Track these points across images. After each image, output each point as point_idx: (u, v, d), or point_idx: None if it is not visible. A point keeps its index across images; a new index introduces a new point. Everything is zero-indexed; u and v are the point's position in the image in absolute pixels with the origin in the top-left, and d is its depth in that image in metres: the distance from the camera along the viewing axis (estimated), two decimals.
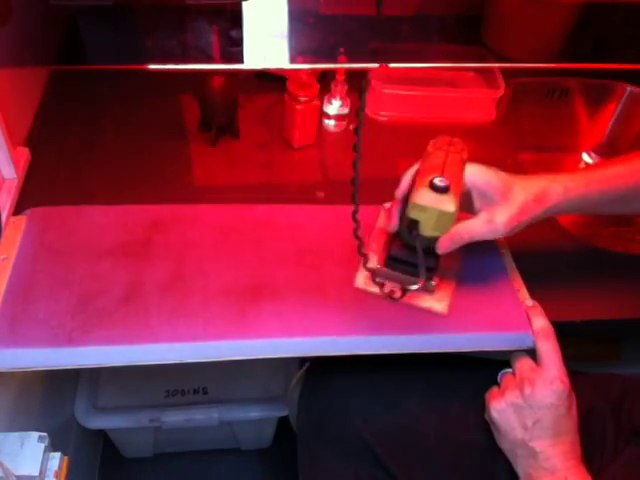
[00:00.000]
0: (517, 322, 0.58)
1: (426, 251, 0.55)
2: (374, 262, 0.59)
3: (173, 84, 0.91)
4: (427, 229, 0.49)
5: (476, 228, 0.54)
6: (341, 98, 0.84)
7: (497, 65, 0.95)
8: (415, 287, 0.53)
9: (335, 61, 0.84)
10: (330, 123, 0.86)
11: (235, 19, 0.96)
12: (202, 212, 0.65)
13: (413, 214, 0.49)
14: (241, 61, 0.96)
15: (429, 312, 0.57)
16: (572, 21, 1.00)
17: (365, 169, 0.81)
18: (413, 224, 0.50)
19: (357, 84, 0.92)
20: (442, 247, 0.54)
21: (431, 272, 0.57)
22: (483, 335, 0.57)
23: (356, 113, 0.46)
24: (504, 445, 0.59)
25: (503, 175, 0.55)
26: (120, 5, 0.91)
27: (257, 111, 0.87)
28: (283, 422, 1.01)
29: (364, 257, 0.53)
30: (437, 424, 0.66)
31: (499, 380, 0.59)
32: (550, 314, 0.58)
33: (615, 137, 1.03)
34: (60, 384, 0.95)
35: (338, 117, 0.85)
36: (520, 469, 0.58)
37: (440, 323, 0.57)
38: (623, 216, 0.85)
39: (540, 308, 0.58)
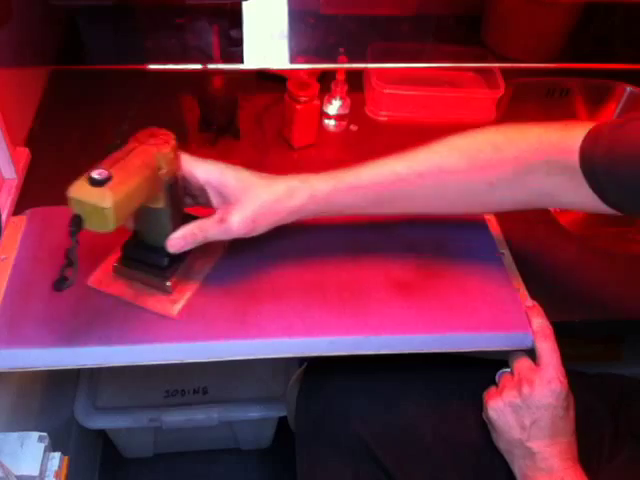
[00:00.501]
0: (516, 322, 0.58)
1: (158, 250, 0.53)
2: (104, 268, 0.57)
3: (173, 84, 0.91)
4: (91, 224, 0.45)
5: (208, 227, 0.52)
6: (341, 98, 0.84)
7: (497, 65, 0.95)
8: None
9: (335, 61, 0.84)
10: (330, 123, 0.86)
11: (235, 19, 0.96)
12: (202, 212, 0.65)
13: (73, 208, 0.45)
14: (241, 61, 0.96)
15: (159, 314, 0.54)
16: (572, 21, 1.00)
17: None
18: (76, 219, 0.45)
19: (357, 84, 0.92)
20: (173, 246, 0.52)
21: (165, 272, 0.55)
22: (483, 335, 0.57)
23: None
24: (501, 445, 0.59)
25: (244, 174, 0.53)
26: (120, 5, 0.91)
27: (257, 111, 0.87)
28: (283, 422, 1.01)
29: (63, 266, 0.49)
30: (436, 424, 0.66)
31: (497, 380, 0.59)
32: (550, 314, 0.58)
33: None
34: (60, 384, 0.95)
35: (338, 117, 0.85)
36: (517, 469, 0.58)
37: (440, 323, 0.57)
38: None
39: (539, 308, 0.58)
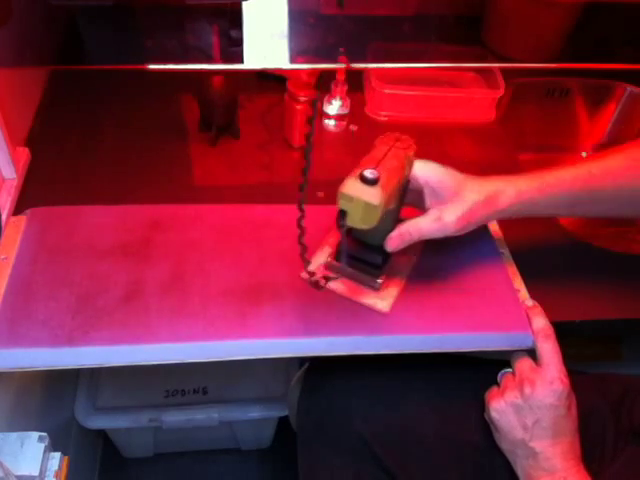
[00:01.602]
0: (517, 322, 0.58)
1: (374, 248, 0.56)
2: (316, 263, 0.60)
3: (173, 84, 0.91)
4: (354, 220, 0.48)
5: (424, 226, 0.54)
6: (341, 98, 0.84)
7: (497, 65, 0.95)
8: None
9: (335, 61, 0.84)
10: (330, 123, 0.86)
11: (235, 19, 0.96)
12: (202, 212, 0.65)
13: (341, 204, 0.48)
14: (241, 61, 0.96)
15: (371, 309, 0.57)
16: (572, 21, 1.00)
17: None
18: (342, 214, 0.49)
19: (357, 84, 0.92)
20: (391, 245, 0.54)
21: (378, 270, 0.57)
22: (483, 335, 0.57)
23: (307, 120, 0.46)
24: (504, 445, 0.59)
25: (457, 174, 0.55)
26: (120, 5, 0.91)
27: (257, 111, 0.87)
28: (283, 422, 1.01)
29: (305, 262, 0.53)
30: (437, 424, 0.66)
31: (499, 380, 0.59)
32: (550, 314, 0.58)
33: (615, 137, 1.03)
34: (60, 384, 0.95)
35: (338, 117, 0.85)
36: (520, 469, 0.58)
37: (440, 323, 0.57)
38: (614, 218, 0.85)
39: (540, 308, 0.58)
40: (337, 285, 0.58)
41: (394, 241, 0.54)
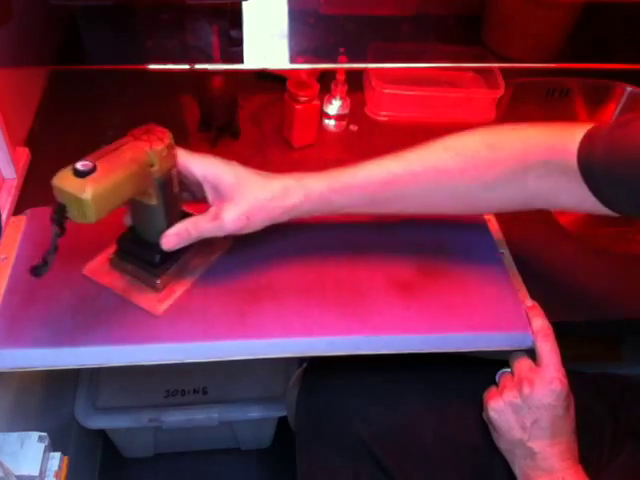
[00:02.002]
0: (517, 322, 0.58)
1: (153, 247, 0.53)
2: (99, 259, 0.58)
3: (173, 84, 0.91)
4: (73, 214, 0.45)
5: (202, 224, 0.52)
6: (341, 98, 0.84)
7: (497, 65, 0.95)
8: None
9: (335, 61, 0.84)
10: (330, 123, 0.86)
11: (235, 19, 0.96)
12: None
13: (57, 196, 0.45)
14: (241, 61, 0.96)
15: (144, 310, 0.54)
16: (572, 21, 1.00)
17: None
18: (60, 208, 0.45)
19: (357, 84, 0.92)
20: (166, 244, 0.52)
21: (156, 269, 0.55)
22: (483, 335, 0.57)
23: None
24: (502, 445, 0.59)
25: (240, 171, 0.53)
26: (120, 5, 0.91)
27: (257, 111, 0.87)
28: (283, 422, 1.01)
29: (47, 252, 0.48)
30: (435, 424, 0.66)
31: (497, 380, 0.60)
32: (550, 314, 0.58)
33: None
34: (60, 384, 0.95)
35: (338, 117, 0.85)
36: (518, 469, 0.58)
37: (440, 323, 0.57)
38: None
39: (539, 308, 0.58)
40: (116, 282, 0.56)
41: (171, 239, 0.51)
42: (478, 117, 0.91)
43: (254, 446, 1.20)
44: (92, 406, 0.97)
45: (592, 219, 0.93)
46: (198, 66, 0.92)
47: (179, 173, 0.52)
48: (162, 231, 0.52)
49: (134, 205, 0.53)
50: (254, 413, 0.99)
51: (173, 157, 0.50)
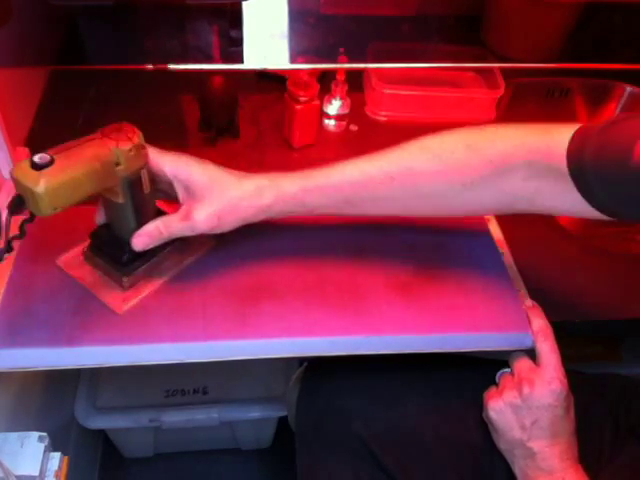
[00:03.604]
0: (516, 322, 0.58)
1: (124, 244, 0.53)
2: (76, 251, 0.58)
3: (173, 84, 0.91)
4: (30, 206, 0.45)
5: (173, 224, 0.52)
6: (341, 98, 0.84)
7: (497, 65, 0.95)
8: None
9: (335, 61, 0.84)
10: (330, 123, 0.86)
11: (235, 19, 0.96)
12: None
13: (16, 187, 0.45)
14: (241, 61, 0.96)
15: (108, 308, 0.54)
16: (572, 21, 1.00)
17: None
18: (18, 199, 0.45)
19: (357, 84, 0.92)
20: (137, 243, 0.52)
21: (125, 267, 0.54)
22: (483, 335, 0.57)
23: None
24: (502, 445, 0.59)
25: (211, 170, 0.52)
26: (120, 5, 0.91)
27: (257, 111, 0.87)
28: (283, 422, 1.01)
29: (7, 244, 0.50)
30: (436, 424, 0.66)
31: (497, 380, 0.59)
32: (550, 314, 0.58)
33: None
34: (60, 384, 0.95)
35: (338, 117, 0.85)
36: (518, 469, 0.58)
37: (440, 323, 0.57)
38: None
39: (539, 309, 0.58)
40: (86, 276, 0.56)
41: (142, 239, 0.51)
42: (478, 117, 0.91)
43: (254, 446, 1.20)
44: (92, 406, 0.97)
45: (592, 219, 0.93)
46: (198, 66, 0.92)
47: (150, 172, 0.51)
48: (133, 229, 0.52)
49: (104, 202, 0.53)
50: (254, 413, 0.99)
51: (143, 157, 0.50)
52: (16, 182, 0.44)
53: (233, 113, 0.81)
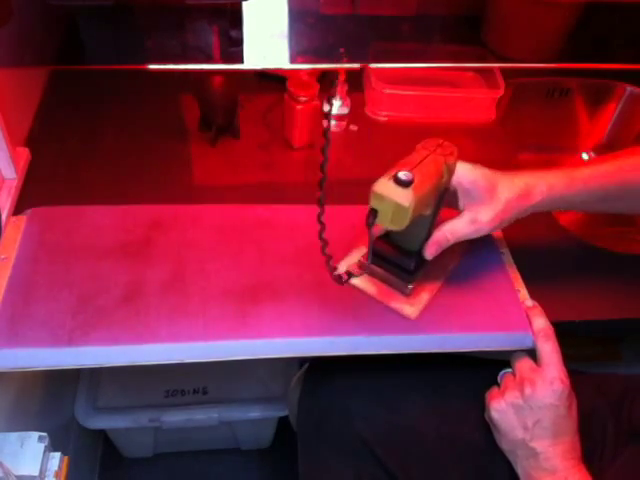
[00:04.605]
0: (517, 322, 0.58)
1: (408, 253, 0.56)
2: (349, 261, 0.60)
3: (173, 84, 0.91)
4: (384, 220, 0.49)
5: (460, 228, 0.54)
6: (341, 98, 0.84)
7: (497, 65, 0.95)
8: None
9: (335, 61, 0.84)
10: (330, 123, 0.86)
11: (235, 19, 0.96)
12: (202, 212, 0.65)
13: (372, 203, 0.49)
14: (241, 61, 0.96)
15: (398, 313, 0.57)
16: (572, 21, 1.00)
17: (365, 169, 0.81)
18: (372, 213, 0.49)
19: (357, 84, 0.92)
20: (429, 252, 0.55)
21: (410, 275, 0.57)
22: (483, 335, 0.57)
23: (324, 116, 0.46)
24: (504, 445, 0.59)
25: (488, 173, 0.55)
26: (120, 5, 0.91)
27: (257, 111, 0.87)
28: (283, 422, 1.01)
29: (328, 257, 0.52)
30: (437, 424, 0.66)
31: (499, 380, 0.59)
32: (550, 314, 0.58)
33: (615, 137, 1.03)
34: (60, 384, 0.95)
35: (338, 117, 0.85)
36: (520, 469, 0.58)
37: (441, 323, 0.57)
38: (620, 215, 0.85)
39: (540, 308, 0.58)
40: (367, 286, 0.59)
41: (432, 248, 0.55)
42: (478, 117, 0.91)
43: (254, 446, 1.20)
44: (92, 406, 0.97)
45: (592, 219, 0.93)
46: (198, 66, 0.92)
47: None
48: (424, 240, 0.55)
49: None
50: (254, 413, 0.99)
51: (455, 170, 0.53)
52: (378, 197, 0.47)
53: (233, 113, 0.81)
